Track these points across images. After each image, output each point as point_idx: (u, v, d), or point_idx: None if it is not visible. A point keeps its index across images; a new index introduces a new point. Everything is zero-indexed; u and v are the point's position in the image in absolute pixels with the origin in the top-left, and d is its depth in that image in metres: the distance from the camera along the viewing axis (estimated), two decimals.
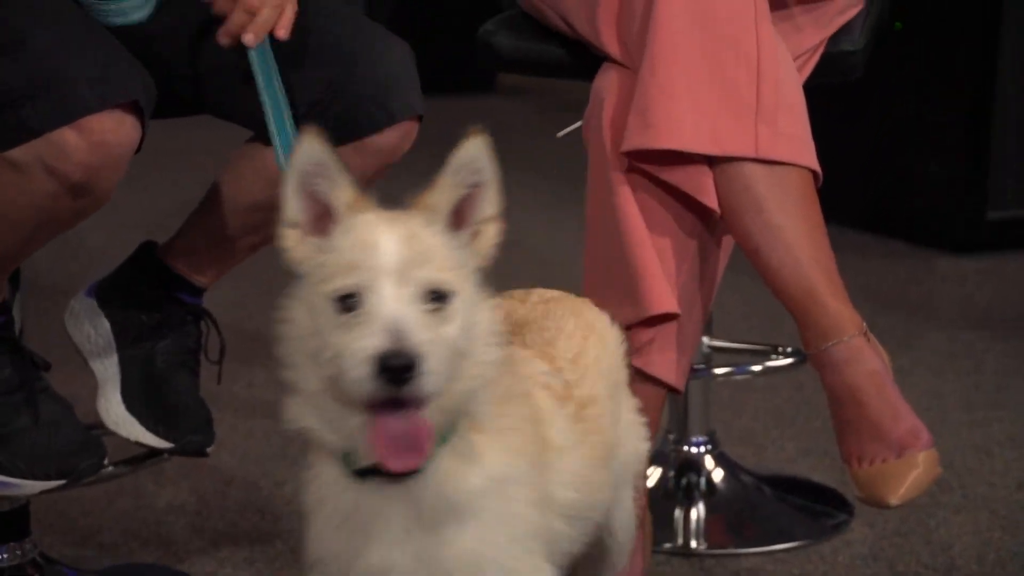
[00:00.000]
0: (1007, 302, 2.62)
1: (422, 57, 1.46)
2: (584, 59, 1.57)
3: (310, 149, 1.03)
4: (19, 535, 1.50)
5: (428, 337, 0.95)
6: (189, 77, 1.41)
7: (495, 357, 1.02)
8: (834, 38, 1.57)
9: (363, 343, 0.95)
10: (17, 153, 1.25)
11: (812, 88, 1.51)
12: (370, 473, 1.01)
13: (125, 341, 1.50)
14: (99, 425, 1.50)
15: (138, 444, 1.48)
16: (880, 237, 2.95)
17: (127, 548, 1.71)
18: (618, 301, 1.40)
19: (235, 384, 2.13)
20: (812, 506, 1.80)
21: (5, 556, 1.48)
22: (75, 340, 1.52)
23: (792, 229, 1.41)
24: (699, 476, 1.78)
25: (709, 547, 1.70)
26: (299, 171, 1.03)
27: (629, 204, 1.46)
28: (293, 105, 1.36)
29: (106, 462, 1.43)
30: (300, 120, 1.38)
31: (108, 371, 1.50)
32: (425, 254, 0.98)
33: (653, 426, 1.52)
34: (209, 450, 1.50)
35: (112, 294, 1.51)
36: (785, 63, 1.44)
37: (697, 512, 1.75)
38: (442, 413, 1.00)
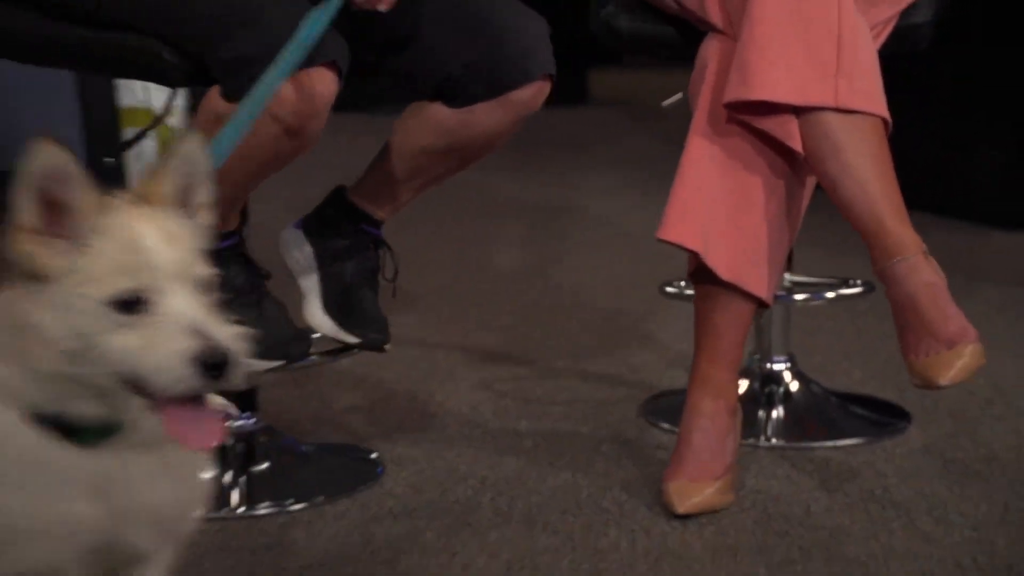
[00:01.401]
0: None
1: None
2: (689, 38, 1.67)
3: (47, 155, 0.89)
4: (253, 408, 1.66)
5: (228, 333, 0.89)
6: (374, 46, 1.52)
7: None
8: (905, 12, 1.65)
9: (175, 345, 0.87)
10: None
11: (886, 63, 1.57)
12: (64, 431, 0.92)
13: (324, 262, 1.64)
14: (307, 331, 1.64)
15: (334, 340, 1.62)
16: (941, 217, 2.97)
17: (321, 433, 1.86)
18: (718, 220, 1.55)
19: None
20: (874, 415, 1.88)
21: (245, 423, 1.64)
22: (286, 262, 1.66)
23: (865, 168, 1.50)
24: (779, 386, 1.87)
25: (786, 441, 1.79)
26: (36, 176, 0.89)
27: (727, 149, 1.56)
28: (449, 65, 1.48)
29: (311, 351, 1.60)
30: (457, 78, 1.51)
31: (311, 285, 1.64)
32: (189, 250, 0.92)
33: (741, 343, 1.60)
34: (387, 347, 1.64)
35: (314, 226, 1.65)
36: (862, 31, 1.54)
37: (776, 414, 1.85)
38: None
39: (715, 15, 1.60)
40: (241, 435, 1.64)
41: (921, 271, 1.47)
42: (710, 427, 1.59)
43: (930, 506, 1.57)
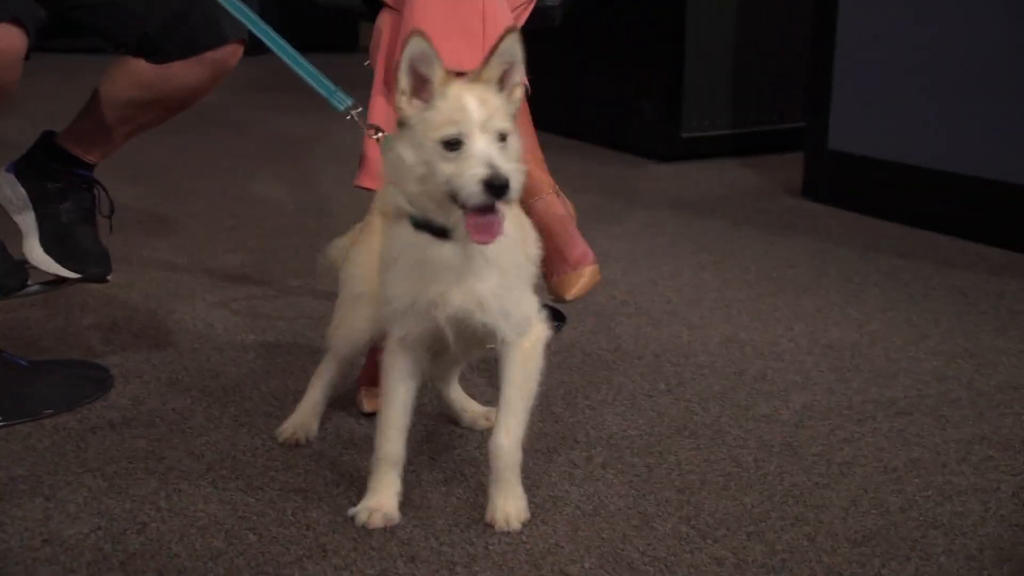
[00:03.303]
0: (690, 194, 2.83)
1: None
2: (373, 8, 1.64)
3: (418, 45, 1.14)
4: None
5: (510, 167, 1.11)
6: (79, 7, 1.44)
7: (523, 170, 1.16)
8: None
9: (473, 171, 1.10)
10: None
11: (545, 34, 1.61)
12: (433, 232, 1.16)
13: (39, 203, 1.54)
14: (26, 263, 1.53)
15: (55, 275, 1.53)
16: (611, 150, 3.12)
17: (59, 351, 1.74)
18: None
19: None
20: None
21: None
22: (1, 202, 1.54)
23: None
24: None
25: None
26: (411, 58, 1.14)
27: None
28: (145, 24, 1.39)
29: (30, 283, 1.49)
30: (153, 36, 1.43)
31: (29, 224, 1.54)
32: (494, 111, 1.13)
33: None
34: (109, 278, 1.55)
35: (25, 170, 1.54)
36: (503, 10, 1.55)
37: None
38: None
39: None
40: None
41: (554, 207, 1.51)
42: None
43: (565, 392, 1.63)
